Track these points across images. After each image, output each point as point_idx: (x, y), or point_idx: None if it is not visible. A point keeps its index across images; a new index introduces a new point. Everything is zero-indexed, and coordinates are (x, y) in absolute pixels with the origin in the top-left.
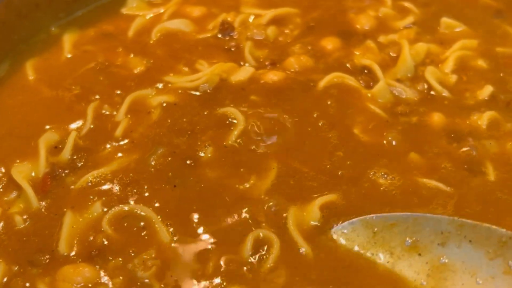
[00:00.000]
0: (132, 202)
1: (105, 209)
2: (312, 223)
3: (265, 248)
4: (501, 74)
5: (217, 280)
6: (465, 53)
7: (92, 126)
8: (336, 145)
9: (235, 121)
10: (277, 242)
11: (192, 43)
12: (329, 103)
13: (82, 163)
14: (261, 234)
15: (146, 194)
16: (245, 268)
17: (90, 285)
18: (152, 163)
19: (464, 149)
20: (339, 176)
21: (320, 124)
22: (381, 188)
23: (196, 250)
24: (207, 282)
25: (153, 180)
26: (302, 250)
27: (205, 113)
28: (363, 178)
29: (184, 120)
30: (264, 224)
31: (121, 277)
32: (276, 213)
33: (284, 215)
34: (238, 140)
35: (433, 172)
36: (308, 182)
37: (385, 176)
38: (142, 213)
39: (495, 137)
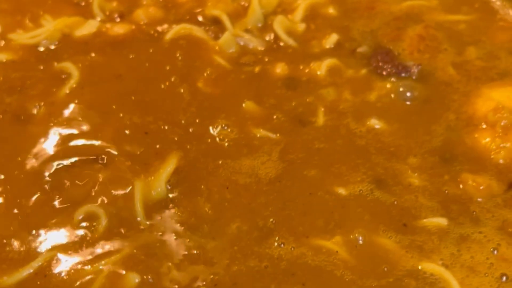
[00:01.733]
0: None
1: None
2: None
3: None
4: (347, 22)
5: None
6: (316, 0)
7: None
8: (182, 98)
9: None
10: (104, 216)
11: None
12: (178, 55)
13: None
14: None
15: None
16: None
17: None
18: None
19: (298, 99)
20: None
21: (172, 79)
22: (218, 141)
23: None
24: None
25: None
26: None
27: (41, 68)
28: (206, 134)
29: (15, 76)
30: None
31: None
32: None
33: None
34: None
35: (266, 122)
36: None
37: (225, 127)
38: None
39: (336, 84)
